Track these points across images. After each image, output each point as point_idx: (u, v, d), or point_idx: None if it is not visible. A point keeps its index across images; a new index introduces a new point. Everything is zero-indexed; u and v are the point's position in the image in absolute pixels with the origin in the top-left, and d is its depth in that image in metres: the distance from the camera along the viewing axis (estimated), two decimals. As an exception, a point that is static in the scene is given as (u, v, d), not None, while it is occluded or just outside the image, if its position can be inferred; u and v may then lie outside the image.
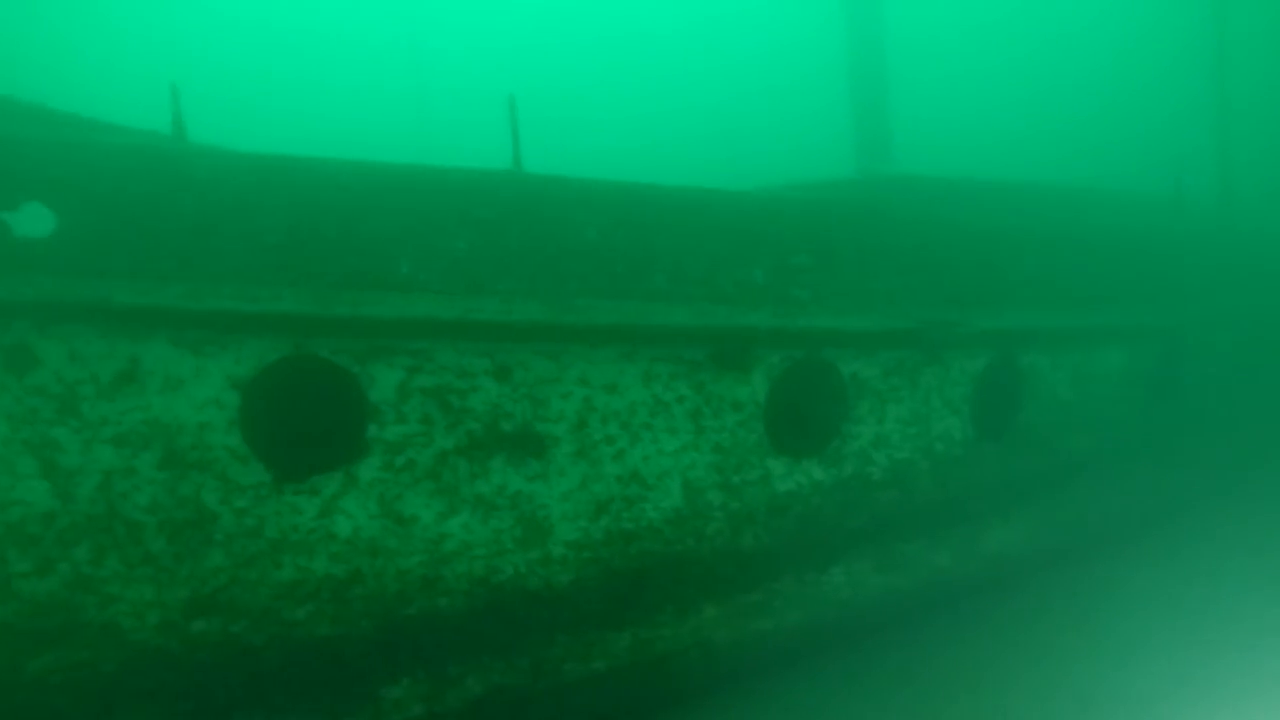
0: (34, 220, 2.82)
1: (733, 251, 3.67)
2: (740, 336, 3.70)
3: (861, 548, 4.35)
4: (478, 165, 3.51)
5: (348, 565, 3.18)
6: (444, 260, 3.24)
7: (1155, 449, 6.09)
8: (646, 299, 3.52)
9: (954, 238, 4.50)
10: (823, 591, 4.14)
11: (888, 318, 4.08)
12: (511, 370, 3.36)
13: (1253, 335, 7.19)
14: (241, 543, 3.03)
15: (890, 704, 3.72)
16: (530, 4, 32.87)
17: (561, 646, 3.51)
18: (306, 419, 3.24)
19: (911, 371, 4.26)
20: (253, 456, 3.04)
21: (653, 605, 3.71)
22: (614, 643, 3.61)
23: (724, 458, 3.80)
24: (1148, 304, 5.74)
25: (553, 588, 3.50)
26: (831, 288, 3.97)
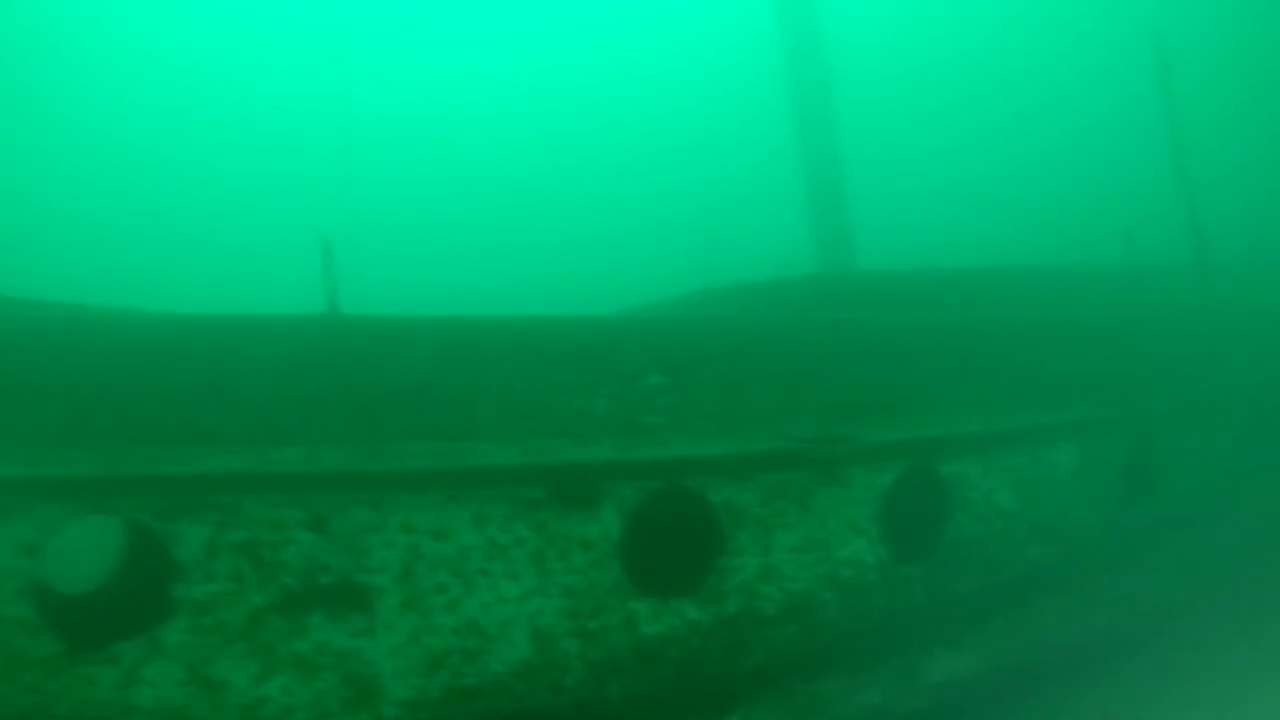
0: None
1: (568, 380, 3.53)
2: (582, 471, 3.51)
3: (762, 691, 3.97)
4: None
5: None
6: (248, 409, 3.19)
7: (1129, 553, 5.52)
8: (471, 438, 3.39)
9: (849, 341, 4.26)
10: (716, 743, 3.77)
11: (762, 438, 3.84)
12: (327, 520, 3.24)
13: (1244, 414, 6.57)
14: None
15: None
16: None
17: None
18: (107, 581, 3.16)
19: (801, 494, 3.97)
20: (44, 626, 2.97)
21: None
22: (459, 812, 3.33)
23: (577, 602, 3.55)
24: (1106, 394, 5.30)
25: (385, 752, 3.26)
26: (693, 410, 3.77)
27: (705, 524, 3.78)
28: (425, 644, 3.34)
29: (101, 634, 3.07)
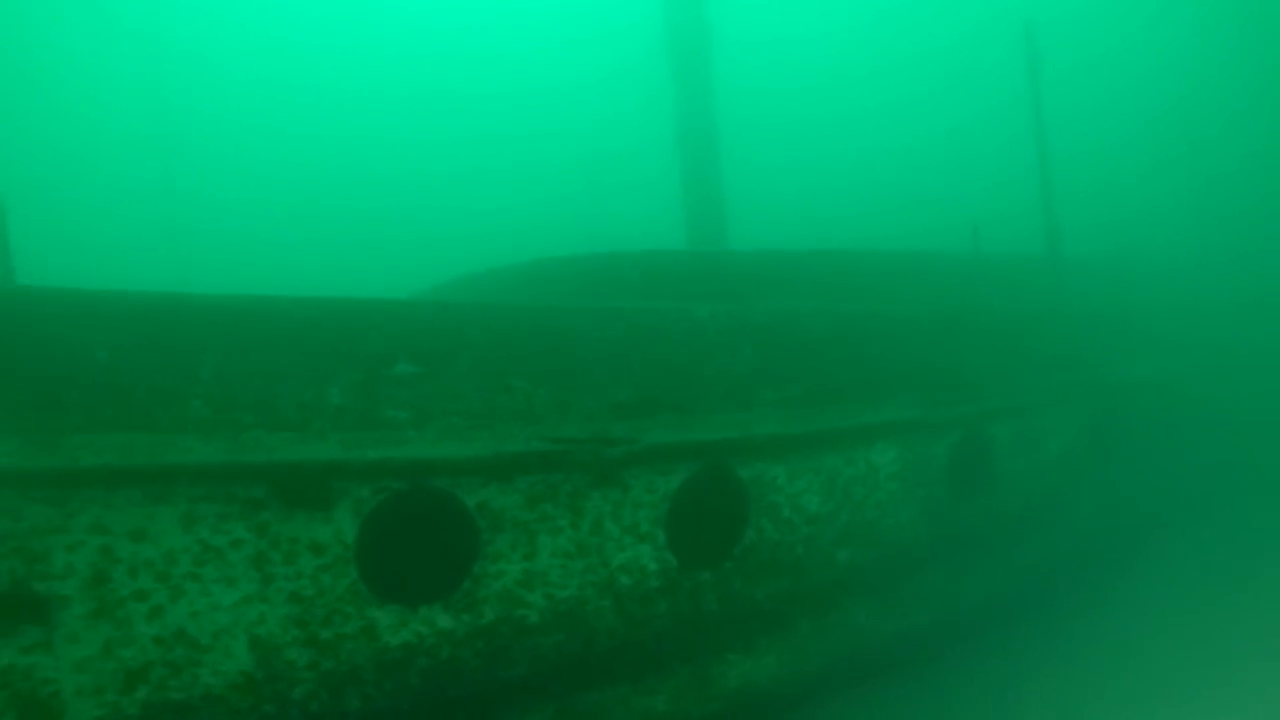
0: None
1: (294, 368, 3.26)
2: (311, 469, 3.25)
3: (530, 701, 3.76)
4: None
5: None
6: None
7: (961, 557, 5.46)
8: (179, 430, 3.10)
9: (631, 333, 4.03)
10: (470, 758, 3.55)
11: (524, 438, 3.61)
12: None
13: (1090, 412, 6.59)
14: None
15: None
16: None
17: None
18: None
19: (572, 496, 3.76)
20: None
21: None
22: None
23: (306, 609, 3.28)
24: (932, 393, 5.21)
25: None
26: (445, 404, 3.52)
27: (458, 528, 3.54)
28: (120, 657, 3.05)
29: None
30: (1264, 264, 10.69)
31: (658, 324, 4.02)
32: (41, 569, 2.96)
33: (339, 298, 3.43)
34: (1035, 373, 6.38)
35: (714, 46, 7.94)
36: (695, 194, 7.74)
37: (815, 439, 4.48)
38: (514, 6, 33.75)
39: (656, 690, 4.10)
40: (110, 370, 3.03)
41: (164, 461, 3.06)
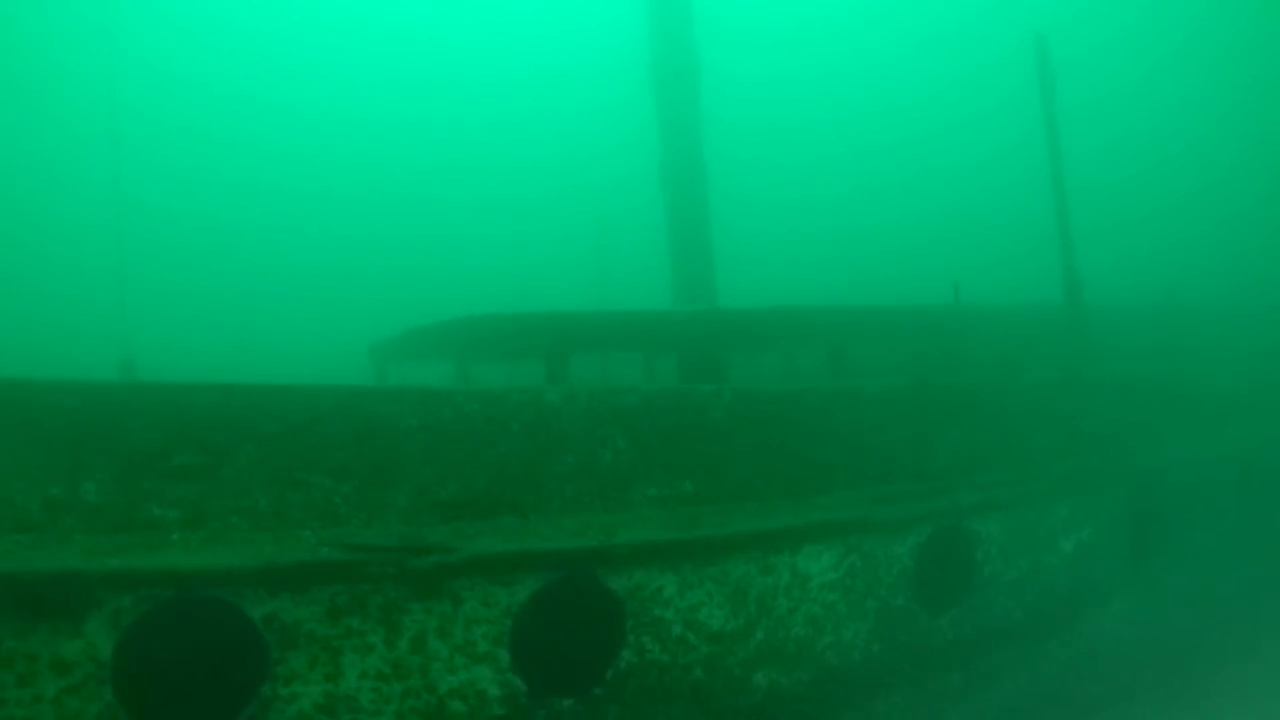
0: None
1: (44, 460, 2.91)
2: (56, 577, 2.87)
3: None
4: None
5: None
6: None
7: (932, 681, 4.61)
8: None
9: (462, 420, 3.47)
10: None
11: (318, 542, 3.14)
12: None
13: (1111, 500, 5.56)
14: None
15: None
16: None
17: None
18: None
19: (385, 609, 3.25)
20: None
21: None
22: None
23: (47, 737, 2.89)
24: (889, 483, 4.45)
25: None
26: (226, 502, 3.10)
27: (240, 643, 3.09)
28: None
29: None
30: None
31: (494, 411, 3.50)
32: None
33: (100, 381, 3.10)
34: (1041, 454, 5.49)
35: (701, 77, 7.50)
36: (681, 239, 7.22)
37: (715, 544, 3.82)
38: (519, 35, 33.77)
39: None
40: None
41: None
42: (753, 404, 4.07)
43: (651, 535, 3.68)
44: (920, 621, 4.64)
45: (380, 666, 3.26)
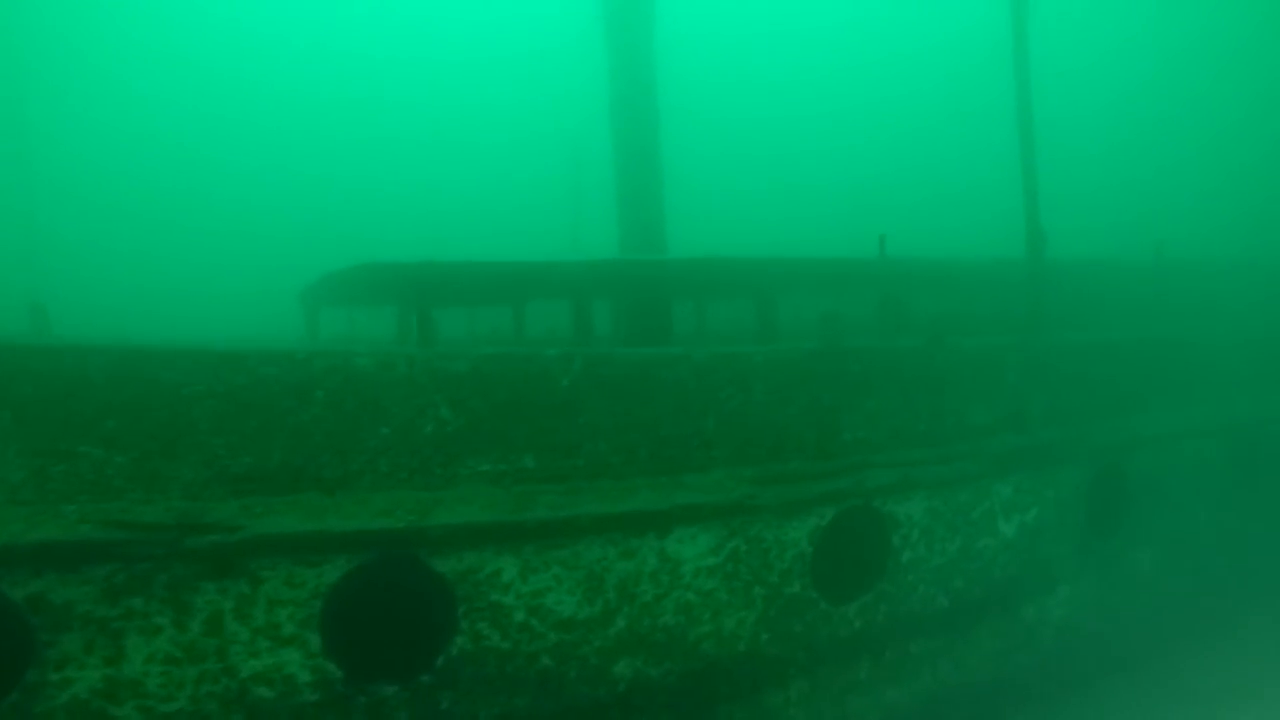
0: None
1: None
2: None
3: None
4: None
5: None
6: None
7: (836, 674, 4.27)
8: None
9: (259, 386, 3.11)
10: None
11: (81, 518, 2.90)
12: None
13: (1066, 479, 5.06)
14: None
15: None
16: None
17: None
18: None
19: (172, 589, 3.02)
20: None
21: None
22: None
23: None
24: (783, 460, 4.05)
25: None
26: None
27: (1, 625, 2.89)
28: None
29: None
30: None
31: (295, 377, 3.20)
32: None
33: None
34: (978, 430, 5.03)
35: (656, 28, 6.98)
36: (629, 187, 6.78)
37: (561, 525, 3.51)
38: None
39: None
40: None
41: None
42: (610, 371, 3.70)
43: (480, 515, 3.38)
44: (820, 610, 4.30)
45: (170, 649, 3.05)
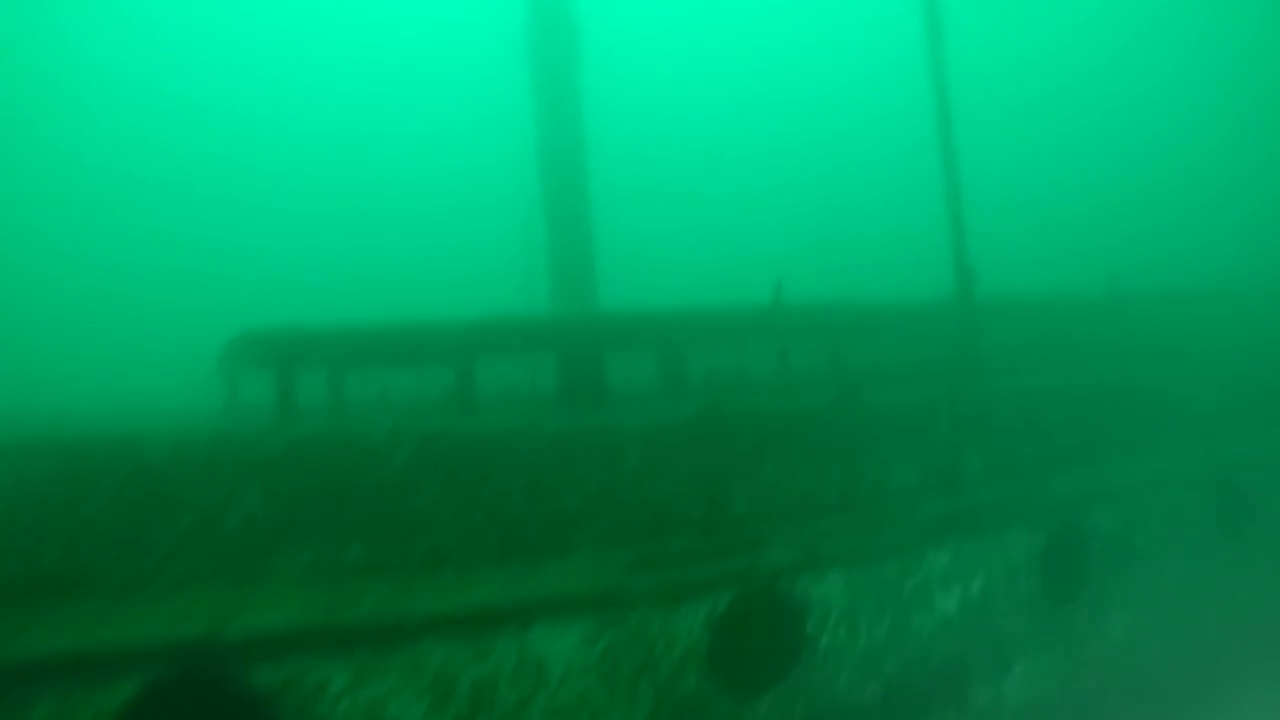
0: None
1: None
2: None
3: None
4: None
5: None
6: None
7: None
8: None
9: (35, 480, 2.79)
10: None
11: None
12: None
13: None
14: None
15: None
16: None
17: None
18: None
19: None
20: None
21: None
22: None
23: None
24: (661, 541, 3.67)
25: None
26: None
27: None
28: None
29: None
30: None
31: (73, 467, 2.88)
32: None
33: None
34: (905, 493, 4.64)
35: (582, 50, 6.92)
36: (559, 234, 6.56)
37: (399, 623, 3.15)
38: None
39: None
40: None
41: None
42: (449, 448, 3.39)
43: (299, 615, 3.03)
44: (723, 708, 3.85)
45: None
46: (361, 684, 3.14)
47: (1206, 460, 6.31)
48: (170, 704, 2.94)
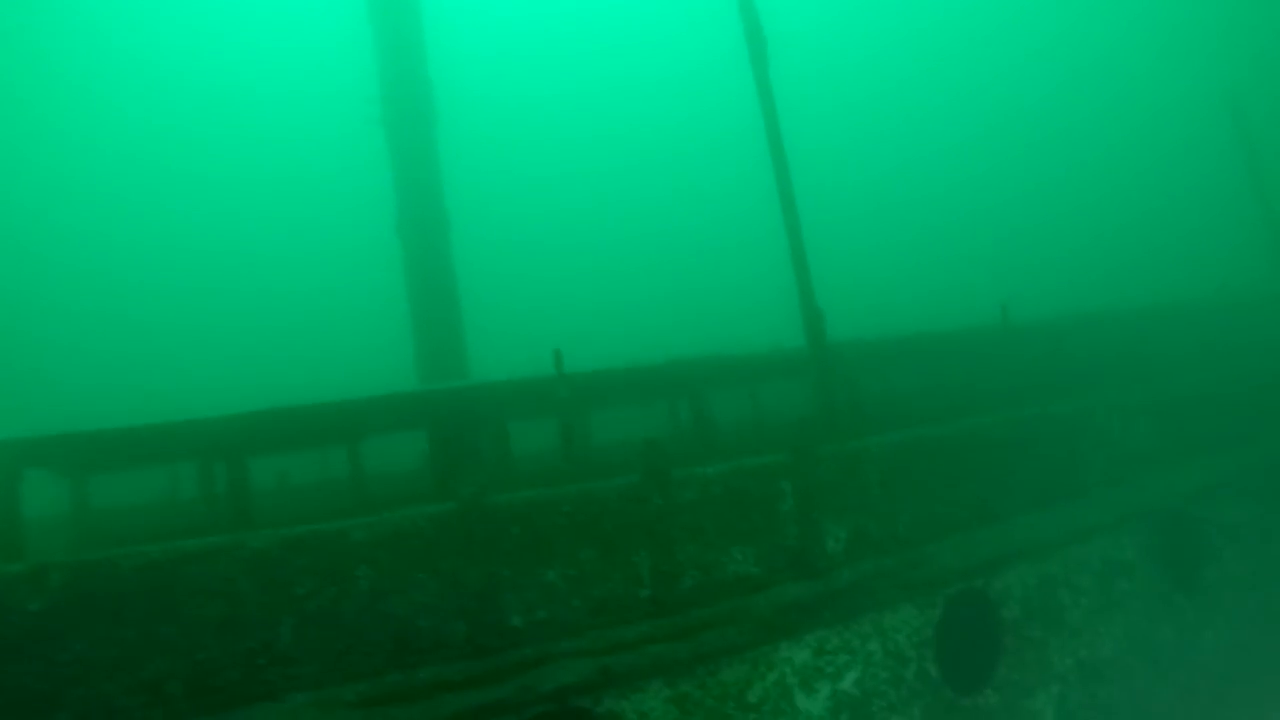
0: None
1: None
2: None
3: None
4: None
5: None
6: None
7: None
8: None
9: None
10: None
11: None
12: None
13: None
14: None
15: None
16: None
17: None
18: None
19: None
20: None
21: None
22: None
23: None
24: (428, 654, 3.08)
25: None
26: None
27: None
28: None
29: None
30: None
31: None
32: None
33: None
34: (743, 581, 4.00)
35: (438, 111, 6.66)
36: (422, 307, 6.15)
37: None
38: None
39: None
40: None
41: None
42: (110, 584, 2.83)
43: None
44: None
45: None
46: None
47: (1143, 498, 5.62)
48: None
